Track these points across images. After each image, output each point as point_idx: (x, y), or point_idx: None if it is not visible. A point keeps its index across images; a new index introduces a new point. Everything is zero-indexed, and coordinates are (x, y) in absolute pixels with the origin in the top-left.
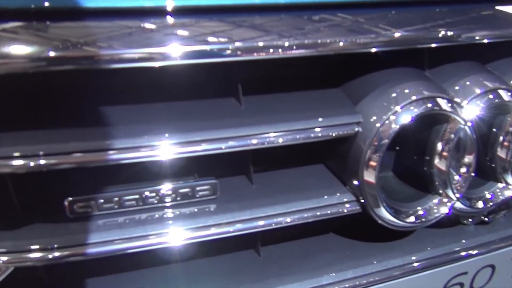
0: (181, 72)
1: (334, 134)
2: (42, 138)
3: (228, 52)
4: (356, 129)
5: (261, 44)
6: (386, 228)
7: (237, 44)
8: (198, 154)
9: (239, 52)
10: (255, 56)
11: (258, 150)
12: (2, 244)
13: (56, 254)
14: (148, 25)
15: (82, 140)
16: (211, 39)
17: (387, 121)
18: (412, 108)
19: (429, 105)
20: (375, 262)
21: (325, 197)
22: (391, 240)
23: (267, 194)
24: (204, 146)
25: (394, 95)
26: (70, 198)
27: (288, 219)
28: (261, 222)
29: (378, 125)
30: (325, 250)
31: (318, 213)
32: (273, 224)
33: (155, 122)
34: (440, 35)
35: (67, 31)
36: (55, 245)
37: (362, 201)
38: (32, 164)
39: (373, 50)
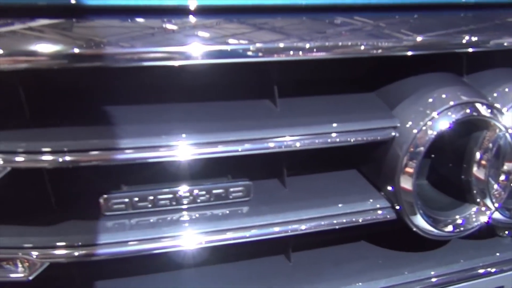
0: (218, 74)
1: (370, 138)
2: (77, 135)
3: (250, 53)
4: (393, 133)
5: (281, 45)
6: (420, 237)
7: (258, 45)
8: (233, 154)
9: (260, 54)
10: (275, 58)
11: (291, 153)
12: (37, 239)
13: (91, 251)
14: (170, 26)
15: (119, 137)
16: (232, 40)
17: (424, 127)
18: (450, 114)
19: (468, 110)
20: (408, 272)
21: (359, 203)
22: (423, 250)
23: (300, 198)
24: (239, 147)
25: (431, 100)
26: (106, 196)
27: (322, 224)
28: (293, 226)
29: (415, 131)
30: (357, 258)
31: (352, 219)
32: (306, 229)
33: (191, 122)
34: (464, 41)
35: (90, 31)
36: (90, 243)
37: (398, 208)
38: (68, 159)
39: (400, 54)
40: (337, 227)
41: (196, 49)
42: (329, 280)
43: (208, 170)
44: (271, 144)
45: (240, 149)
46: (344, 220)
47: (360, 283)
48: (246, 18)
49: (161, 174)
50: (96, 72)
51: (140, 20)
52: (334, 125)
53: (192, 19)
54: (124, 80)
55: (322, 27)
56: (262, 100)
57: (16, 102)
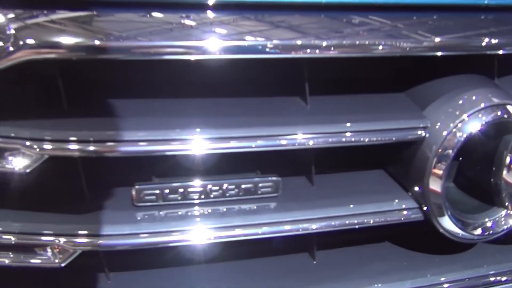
0: (250, 69)
1: (400, 138)
2: (112, 126)
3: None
4: (424, 134)
5: (299, 42)
6: (444, 240)
7: (276, 42)
8: (264, 149)
9: (277, 50)
10: (293, 55)
11: (320, 151)
12: (70, 227)
13: (124, 241)
14: (188, 21)
15: (153, 129)
16: (249, 37)
17: (454, 129)
18: (480, 116)
19: (499, 113)
20: (432, 274)
21: (387, 202)
22: (447, 253)
23: (328, 196)
24: (270, 142)
25: (462, 102)
26: (138, 186)
27: (349, 223)
28: (321, 224)
29: (445, 132)
30: (381, 258)
31: (379, 219)
32: (333, 227)
33: (223, 116)
34: (495, 42)
35: (109, 24)
36: (123, 232)
37: (425, 209)
38: (100, 149)
39: (431, 54)
40: (364, 226)
41: (223, 44)
42: (354, 280)
43: (237, 165)
44: (301, 141)
45: (270, 145)
46: (371, 220)
47: (385, 284)
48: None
49: (189, 167)
50: (129, 65)
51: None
52: (365, 123)
53: (210, 14)
54: (159, 74)
55: (342, 26)
56: (293, 97)
57: (54, 93)
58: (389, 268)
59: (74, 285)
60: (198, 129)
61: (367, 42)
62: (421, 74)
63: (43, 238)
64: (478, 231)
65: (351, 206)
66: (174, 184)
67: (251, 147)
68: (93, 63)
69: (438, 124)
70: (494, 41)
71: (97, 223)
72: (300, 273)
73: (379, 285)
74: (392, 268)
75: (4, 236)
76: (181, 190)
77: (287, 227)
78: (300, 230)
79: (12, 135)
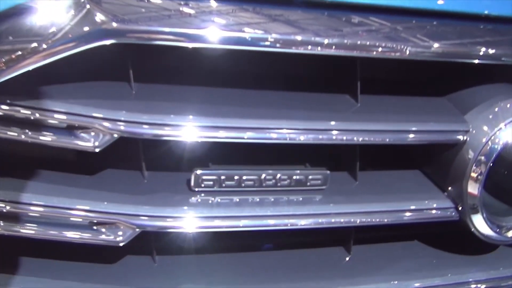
0: (307, 65)
1: (443, 139)
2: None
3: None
4: (465, 138)
5: (299, 38)
6: (472, 240)
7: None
8: (313, 143)
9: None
10: (292, 50)
11: (364, 148)
12: (133, 207)
13: (182, 223)
14: (187, 9)
15: (223, 116)
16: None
17: (493, 136)
18: None
19: None
20: (461, 273)
21: (425, 201)
22: (473, 254)
23: (371, 192)
24: (322, 135)
25: (502, 109)
26: (198, 171)
27: (389, 219)
28: (363, 218)
29: (484, 139)
30: (412, 256)
31: (418, 216)
32: (375, 222)
33: (278, 108)
34: (481, 52)
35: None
36: (182, 215)
37: (461, 210)
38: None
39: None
40: (402, 222)
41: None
42: (386, 275)
43: (285, 157)
44: (350, 137)
45: (322, 138)
46: (410, 217)
47: (417, 280)
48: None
49: (242, 156)
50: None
51: None
52: (411, 124)
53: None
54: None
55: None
56: (343, 95)
57: (124, 76)
58: (420, 266)
59: (121, 264)
60: (262, 119)
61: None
62: (461, 80)
63: (107, 216)
64: (510, 233)
65: (393, 202)
66: (231, 171)
67: (301, 140)
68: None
69: (479, 129)
70: None
71: (158, 205)
72: (335, 266)
73: (411, 281)
74: (422, 265)
75: (68, 212)
76: (236, 177)
77: (332, 219)
78: (345, 223)
79: (87, 113)
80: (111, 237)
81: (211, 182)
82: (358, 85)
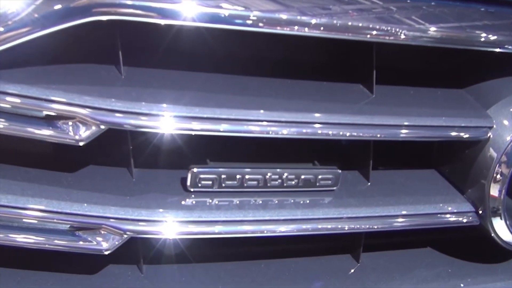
0: (314, 50)
1: (465, 136)
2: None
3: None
4: (488, 134)
5: (284, 17)
6: (493, 247)
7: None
8: (321, 138)
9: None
10: (277, 30)
11: (378, 144)
12: (120, 209)
13: (178, 228)
14: None
15: (226, 107)
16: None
17: None
18: None
19: None
20: (479, 283)
21: (443, 204)
22: (492, 262)
23: (385, 194)
24: (333, 130)
25: None
26: (195, 169)
27: (404, 223)
28: (376, 223)
29: (509, 137)
30: (426, 264)
31: (436, 221)
32: (389, 227)
33: (282, 99)
34: (482, 38)
35: None
36: (177, 219)
37: (482, 214)
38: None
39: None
40: (418, 227)
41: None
42: (399, 286)
43: (292, 153)
44: (364, 131)
45: (332, 133)
46: (427, 221)
47: None
48: None
49: (244, 152)
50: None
51: None
52: (429, 119)
53: None
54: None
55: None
56: (356, 84)
57: (112, 59)
58: (435, 275)
59: (103, 275)
60: (261, 111)
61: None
62: (481, 71)
63: (89, 220)
64: None
65: (408, 205)
66: (232, 170)
67: (308, 133)
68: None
69: (503, 126)
70: None
71: (148, 207)
72: (342, 276)
73: None
74: (437, 275)
75: (44, 215)
76: (238, 176)
77: (343, 224)
78: (356, 228)
79: (70, 101)
80: (95, 245)
81: (210, 182)
82: (373, 74)
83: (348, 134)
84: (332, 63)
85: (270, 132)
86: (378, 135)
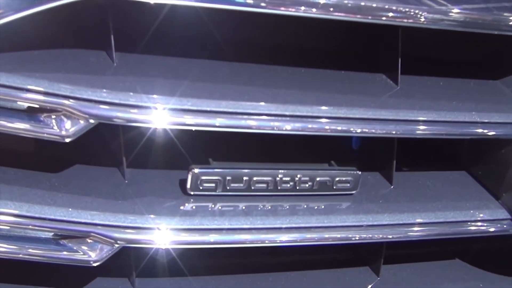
0: (332, 35)
1: (500, 134)
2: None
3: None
4: None
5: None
6: None
7: None
8: (339, 135)
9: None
10: (285, 11)
11: (403, 143)
12: (111, 216)
13: (176, 237)
14: None
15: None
16: None
17: None
18: None
19: None
20: None
21: (474, 211)
22: None
23: (410, 199)
24: (352, 126)
25: None
26: (196, 170)
27: (432, 232)
28: (401, 232)
29: None
30: (454, 278)
31: (466, 229)
32: (415, 235)
33: (289, 88)
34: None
35: None
36: (176, 226)
37: None
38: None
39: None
40: (447, 237)
41: None
42: None
43: (306, 152)
44: (388, 128)
45: (350, 129)
46: (457, 230)
47: None
48: None
49: (250, 150)
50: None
51: None
52: (463, 114)
53: None
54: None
55: None
56: (378, 74)
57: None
58: None
59: None
60: (262, 103)
61: None
62: None
63: (77, 228)
64: None
65: (436, 213)
66: (238, 171)
67: (321, 130)
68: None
69: None
70: None
71: (143, 213)
72: None
73: None
74: None
75: (26, 222)
76: (245, 178)
77: (363, 233)
78: (378, 238)
79: (55, 91)
80: (81, 255)
81: (213, 184)
82: (398, 62)
83: (369, 130)
84: (351, 50)
85: (275, 128)
86: (403, 132)
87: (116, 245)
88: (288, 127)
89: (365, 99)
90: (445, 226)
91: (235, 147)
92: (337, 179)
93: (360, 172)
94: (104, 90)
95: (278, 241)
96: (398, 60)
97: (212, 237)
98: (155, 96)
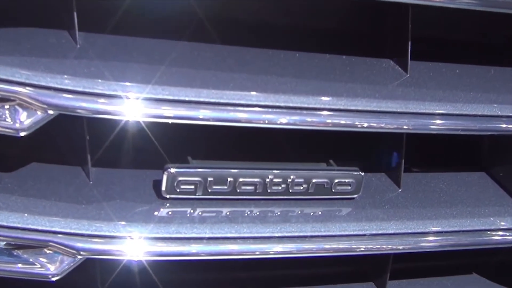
0: (332, 14)
1: None
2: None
3: None
4: None
5: None
6: None
7: None
8: (337, 130)
9: None
10: None
11: (412, 139)
12: (72, 223)
13: (149, 248)
14: None
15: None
16: None
17: None
18: None
19: None
20: None
21: (494, 218)
22: None
23: (419, 204)
24: (345, 120)
25: None
26: (173, 169)
27: (446, 243)
28: (411, 242)
29: None
30: None
31: (484, 239)
32: (426, 246)
33: (282, 75)
34: None
35: None
36: (149, 235)
37: None
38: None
39: None
40: (463, 248)
41: None
42: None
43: (301, 150)
44: (396, 122)
45: (352, 123)
46: (475, 240)
47: None
48: None
49: (236, 147)
50: None
51: None
52: (482, 106)
53: None
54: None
55: None
56: (385, 60)
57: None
58: None
59: None
60: (250, 92)
61: None
62: None
63: (34, 236)
64: None
65: (450, 220)
66: (222, 171)
67: (319, 124)
68: None
69: None
70: None
71: (110, 220)
72: None
73: None
74: None
75: None
76: (230, 179)
77: (366, 244)
78: (383, 249)
79: (8, 78)
80: (38, 268)
81: (192, 186)
82: (408, 46)
83: (374, 125)
84: (354, 31)
85: (266, 121)
86: (413, 127)
87: (79, 257)
88: (280, 121)
89: (369, 88)
90: (460, 236)
91: (218, 143)
92: (336, 181)
93: (362, 173)
94: (66, 76)
95: (267, 253)
96: (408, 43)
97: (192, 248)
98: (126, 83)
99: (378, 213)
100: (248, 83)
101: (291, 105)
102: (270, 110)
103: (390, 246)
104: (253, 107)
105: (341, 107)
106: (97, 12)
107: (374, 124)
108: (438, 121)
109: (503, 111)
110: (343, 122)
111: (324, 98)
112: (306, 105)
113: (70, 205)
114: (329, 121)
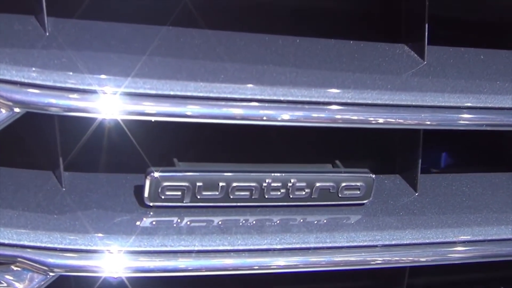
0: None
1: None
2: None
3: None
4: None
5: None
6: None
7: None
8: (344, 126)
9: None
10: None
11: (430, 136)
12: (42, 236)
13: (131, 263)
14: None
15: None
16: None
17: None
18: None
19: None
20: None
21: None
22: None
23: (439, 209)
24: (353, 115)
25: None
26: (157, 173)
27: (469, 254)
28: (429, 254)
29: None
30: None
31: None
32: (446, 258)
33: (281, 65)
34: None
35: None
36: (128, 249)
37: None
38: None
39: None
40: (489, 259)
41: None
42: None
43: (303, 150)
44: (412, 117)
45: (362, 119)
46: (503, 251)
47: None
48: None
49: (228, 148)
50: None
51: None
52: (507, 97)
53: None
54: None
55: None
56: (399, 45)
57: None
58: None
59: None
60: (243, 85)
61: None
62: None
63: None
64: None
65: (473, 228)
66: (213, 175)
67: (323, 120)
68: None
69: None
70: None
71: (86, 232)
72: None
73: None
74: None
75: None
76: (222, 184)
77: (378, 256)
78: (397, 262)
79: None
80: (6, 287)
81: (179, 193)
82: (425, 29)
83: (386, 120)
84: (364, 12)
85: (264, 118)
86: (431, 122)
87: (51, 274)
88: (281, 117)
89: (381, 79)
90: (485, 246)
91: (207, 143)
92: (343, 184)
93: (373, 175)
94: (34, 69)
95: (265, 267)
96: (425, 25)
97: (179, 263)
98: (102, 76)
99: (392, 221)
100: (241, 74)
101: (291, 99)
102: (267, 105)
103: (405, 259)
104: (248, 102)
105: (348, 101)
106: None
107: (392, 120)
108: (460, 116)
109: None
110: (350, 118)
111: (329, 90)
112: (308, 99)
113: (40, 215)
114: (338, 116)
